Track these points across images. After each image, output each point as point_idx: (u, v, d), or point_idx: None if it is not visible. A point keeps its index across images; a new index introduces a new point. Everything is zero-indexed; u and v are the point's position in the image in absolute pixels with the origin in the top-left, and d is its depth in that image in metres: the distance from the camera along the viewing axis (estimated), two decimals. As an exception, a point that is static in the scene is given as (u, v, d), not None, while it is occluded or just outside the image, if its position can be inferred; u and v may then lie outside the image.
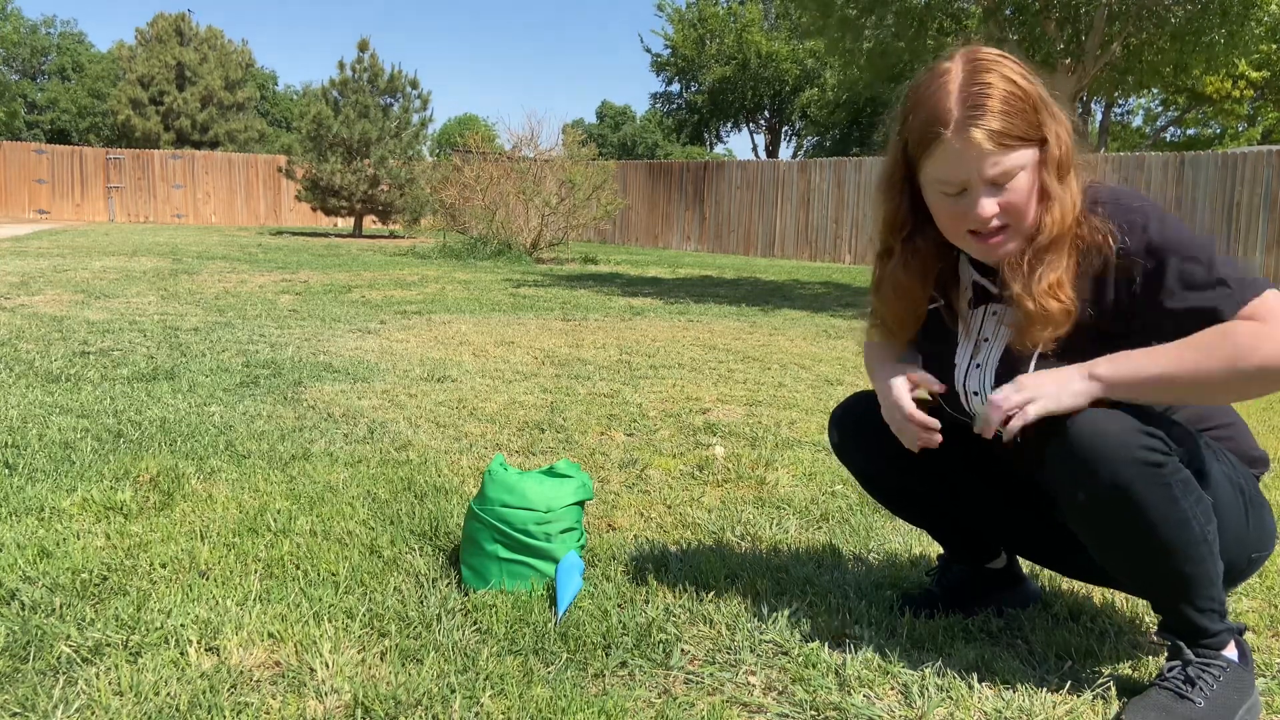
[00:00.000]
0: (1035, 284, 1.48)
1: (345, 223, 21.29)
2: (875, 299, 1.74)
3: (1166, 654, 1.57)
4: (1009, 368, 1.57)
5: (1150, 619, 1.88)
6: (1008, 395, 1.48)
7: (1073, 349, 1.51)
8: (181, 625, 1.69)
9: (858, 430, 1.80)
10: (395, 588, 1.90)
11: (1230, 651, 1.54)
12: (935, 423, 1.62)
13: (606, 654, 1.66)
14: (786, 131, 37.45)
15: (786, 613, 1.83)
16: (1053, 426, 1.46)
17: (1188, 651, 1.52)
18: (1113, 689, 1.58)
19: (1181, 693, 1.49)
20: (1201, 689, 1.49)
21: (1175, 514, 1.43)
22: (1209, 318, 1.41)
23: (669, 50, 34.96)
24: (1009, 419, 1.47)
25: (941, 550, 1.97)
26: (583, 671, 1.61)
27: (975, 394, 1.63)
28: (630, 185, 20.62)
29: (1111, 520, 1.47)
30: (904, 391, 1.65)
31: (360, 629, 1.72)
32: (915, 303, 1.67)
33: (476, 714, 1.46)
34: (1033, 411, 1.45)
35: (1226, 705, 1.49)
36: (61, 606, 1.76)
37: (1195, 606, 1.51)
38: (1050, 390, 1.46)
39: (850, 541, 2.26)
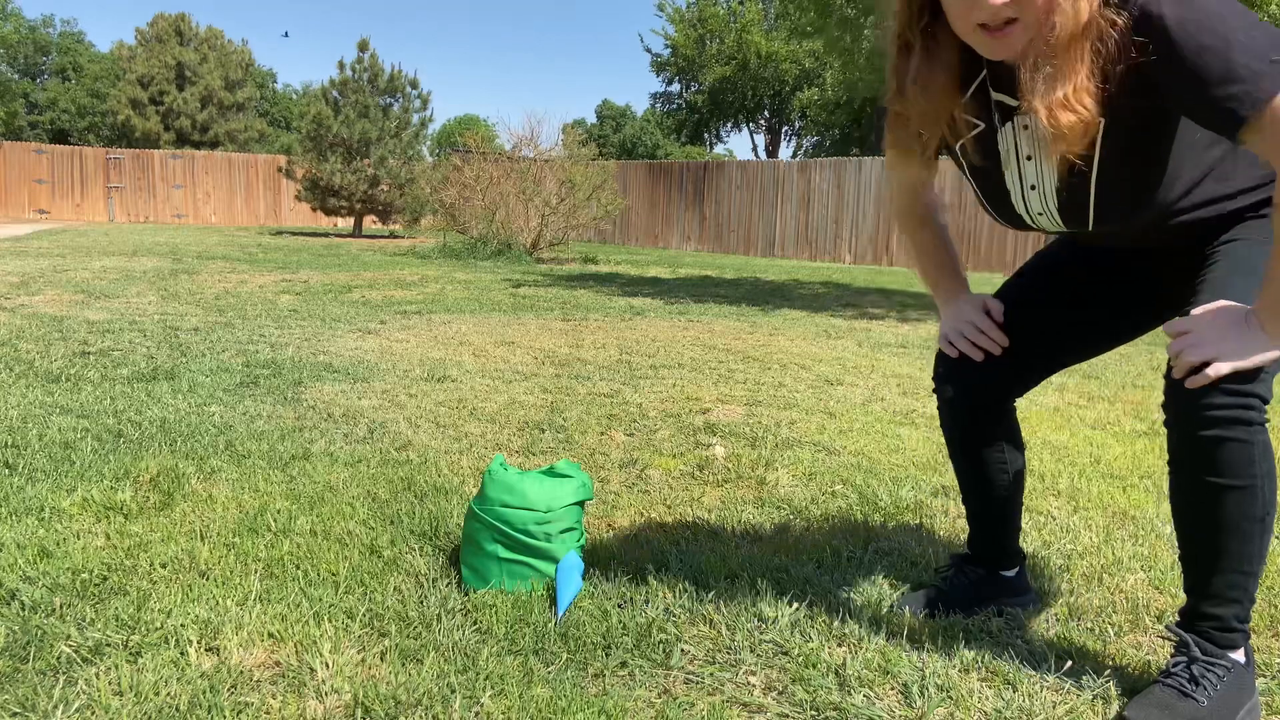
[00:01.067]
0: (1050, 94, 1.41)
1: (345, 223, 21.29)
2: (898, 104, 1.62)
3: (1173, 650, 1.57)
4: (1066, 186, 1.54)
5: (1150, 619, 1.88)
6: (1197, 350, 1.43)
7: (1117, 148, 1.48)
8: (181, 625, 1.69)
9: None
10: (395, 588, 1.90)
11: (1237, 654, 1.54)
12: (1004, 339, 1.73)
13: (606, 654, 1.66)
14: (786, 131, 37.47)
15: (787, 613, 1.83)
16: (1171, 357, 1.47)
17: (1195, 649, 1.52)
18: (1113, 689, 1.58)
19: (1185, 691, 1.49)
20: (1205, 688, 1.49)
21: (1245, 477, 1.44)
22: (1226, 119, 1.34)
23: (669, 50, 34.99)
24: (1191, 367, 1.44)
25: (952, 552, 1.98)
26: (583, 671, 1.61)
27: (1040, 214, 1.62)
28: (630, 185, 20.62)
29: (1188, 458, 1.48)
30: (982, 315, 1.76)
31: (360, 629, 1.72)
32: (942, 100, 1.58)
33: (476, 714, 1.46)
34: (1225, 369, 1.41)
35: (1229, 705, 1.49)
36: (61, 606, 1.76)
37: (1223, 592, 1.51)
38: (1234, 347, 1.41)
39: (850, 541, 2.26)
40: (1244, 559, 1.49)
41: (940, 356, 1.84)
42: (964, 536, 2.33)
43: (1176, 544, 1.57)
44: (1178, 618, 1.59)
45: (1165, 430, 1.51)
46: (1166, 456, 1.54)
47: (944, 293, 1.86)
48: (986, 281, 13.02)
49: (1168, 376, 1.48)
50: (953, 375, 1.81)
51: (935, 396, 1.85)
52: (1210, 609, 1.53)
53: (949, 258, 1.87)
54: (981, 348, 1.77)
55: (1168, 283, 1.67)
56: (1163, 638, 1.79)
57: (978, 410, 1.81)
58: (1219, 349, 1.41)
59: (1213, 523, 1.48)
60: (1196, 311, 1.46)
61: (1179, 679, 1.51)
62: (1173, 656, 1.56)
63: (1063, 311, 1.78)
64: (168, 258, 11.10)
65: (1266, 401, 1.43)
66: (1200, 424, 1.43)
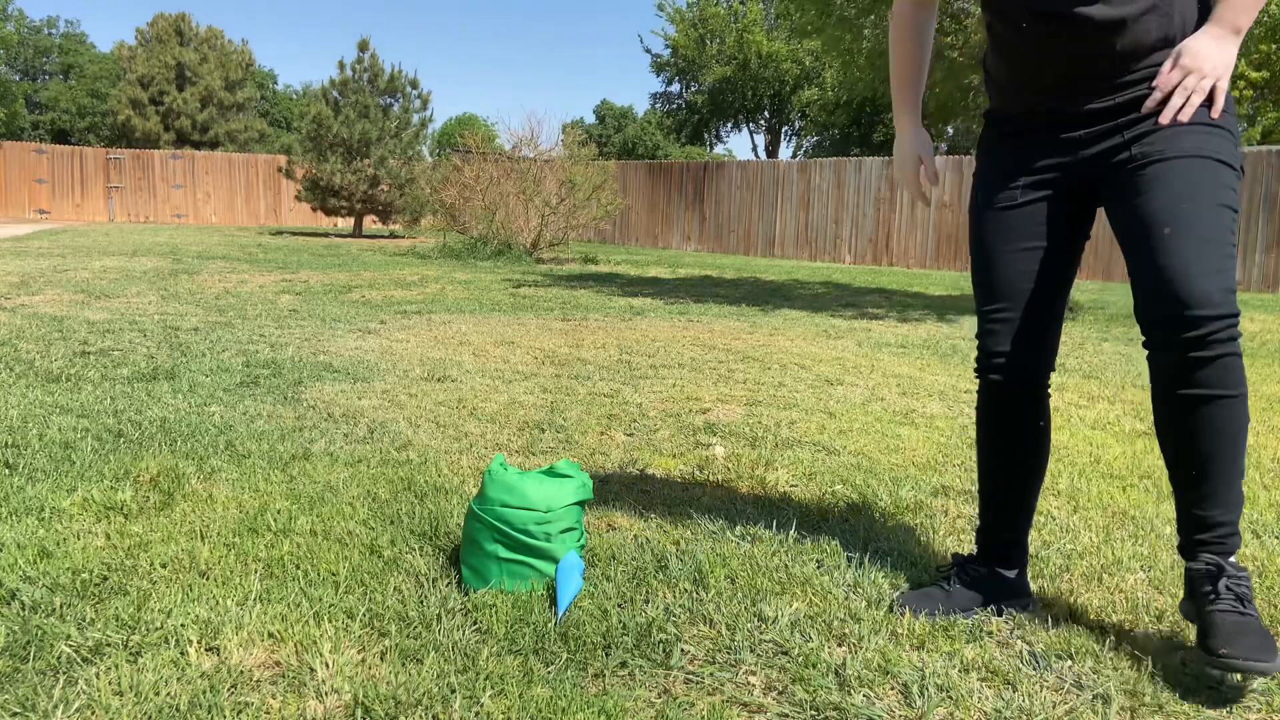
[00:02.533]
0: None
1: (345, 223, 21.29)
2: None
3: (1205, 578, 1.68)
4: None
5: (1150, 618, 1.88)
6: (1191, 84, 1.62)
7: None
8: (181, 625, 1.69)
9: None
10: (395, 588, 1.90)
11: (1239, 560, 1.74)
12: (932, 184, 2.01)
13: (606, 654, 1.66)
14: (786, 131, 37.46)
15: (787, 613, 1.83)
16: (1149, 269, 1.63)
17: (1229, 568, 1.66)
18: (1113, 689, 1.58)
19: (1243, 611, 1.62)
20: (1250, 603, 1.64)
21: (1238, 386, 1.62)
22: None
23: (669, 50, 34.98)
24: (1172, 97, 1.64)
25: (954, 552, 2.00)
26: (583, 671, 1.61)
27: None
28: (630, 185, 20.62)
29: (1198, 380, 1.62)
30: (916, 167, 2.06)
31: (360, 629, 1.72)
32: None
33: (476, 714, 1.46)
34: (1222, 87, 1.63)
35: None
36: (61, 606, 1.76)
37: (1232, 500, 1.67)
38: (1222, 62, 1.62)
39: (850, 541, 2.27)
40: (1240, 463, 1.67)
41: (984, 342, 1.90)
42: (964, 536, 2.33)
43: (1178, 473, 1.70)
44: (1188, 550, 1.73)
45: (1163, 365, 1.65)
46: (1160, 392, 1.68)
47: (902, 114, 2.07)
48: (986, 281, 13.00)
49: (1162, 315, 1.62)
50: (1001, 357, 1.88)
51: (980, 379, 1.93)
52: (1224, 517, 1.68)
53: (917, 81, 2.06)
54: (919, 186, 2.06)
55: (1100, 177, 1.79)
56: (1159, 636, 1.79)
57: (1025, 387, 1.89)
58: (1211, 70, 1.62)
59: (1221, 434, 1.64)
60: (1167, 66, 1.64)
61: (1228, 602, 1.63)
62: (1206, 583, 1.67)
63: (1038, 252, 1.86)
64: (168, 258, 11.10)
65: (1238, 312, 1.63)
66: (1208, 346, 1.59)
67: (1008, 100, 1.88)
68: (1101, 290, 10.30)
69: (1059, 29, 1.71)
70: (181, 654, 1.60)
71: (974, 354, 5.28)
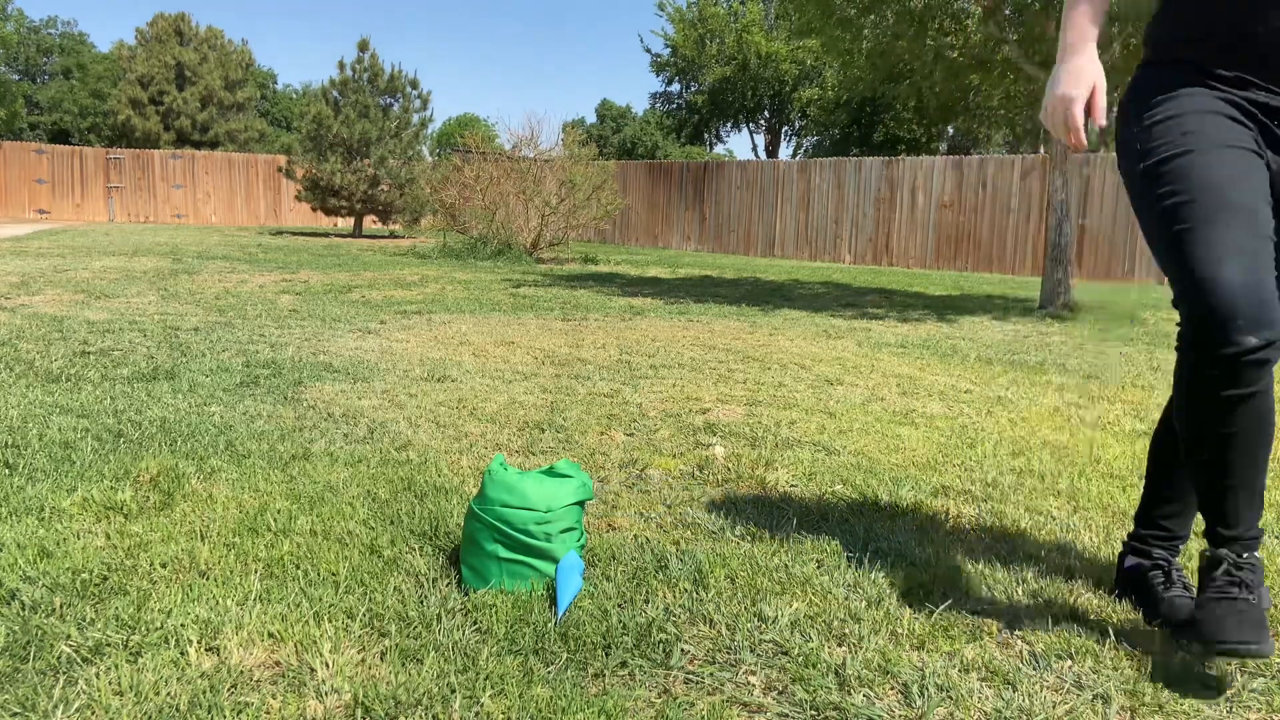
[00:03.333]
0: None
1: (345, 223, 21.29)
2: None
3: (1207, 562, 1.70)
4: None
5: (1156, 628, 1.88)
6: None
7: None
8: (181, 625, 1.69)
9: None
10: (395, 588, 1.90)
11: (1259, 554, 1.71)
12: (1084, 124, 1.70)
13: (606, 654, 1.66)
14: (786, 131, 37.45)
15: (787, 613, 1.83)
16: None
17: (1232, 555, 1.67)
18: (1113, 689, 1.58)
19: (1234, 595, 1.63)
20: (1253, 588, 1.64)
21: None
22: None
23: (669, 50, 34.98)
24: None
25: (1211, 552, 1.79)
26: (583, 671, 1.61)
27: None
28: (630, 185, 20.62)
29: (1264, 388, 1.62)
30: (1089, 89, 1.70)
31: (360, 629, 1.72)
32: None
33: (476, 714, 1.46)
34: None
35: (1265, 601, 1.66)
36: (61, 606, 1.76)
37: (1252, 501, 1.68)
38: None
39: (850, 541, 2.27)
40: (1265, 469, 1.70)
41: (1222, 298, 1.55)
42: (964, 536, 2.33)
43: (1203, 470, 1.70)
44: (1222, 544, 1.71)
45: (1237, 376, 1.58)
46: (1224, 402, 1.62)
47: (1080, 35, 1.74)
48: (985, 280, 13.02)
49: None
50: (1260, 321, 1.54)
51: (1207, 353, 1.59)
52: (1235, 515, 1.69)
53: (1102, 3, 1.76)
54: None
55: None
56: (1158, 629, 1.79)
57: (1270, 352, 1.57)
58: None
59: (1260, 445, 1.65)
60: None
61: (1223, 584, 1.66)
62: (1208, 566, 1.69)
63: (1269, 208, 1.65)
64: (168, 258, 11.10)
65: None
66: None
67: (1220, 53, 1.65)
68: (1101, 290, 10.30)
69: None
70: (181, 654, 1.60)
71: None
